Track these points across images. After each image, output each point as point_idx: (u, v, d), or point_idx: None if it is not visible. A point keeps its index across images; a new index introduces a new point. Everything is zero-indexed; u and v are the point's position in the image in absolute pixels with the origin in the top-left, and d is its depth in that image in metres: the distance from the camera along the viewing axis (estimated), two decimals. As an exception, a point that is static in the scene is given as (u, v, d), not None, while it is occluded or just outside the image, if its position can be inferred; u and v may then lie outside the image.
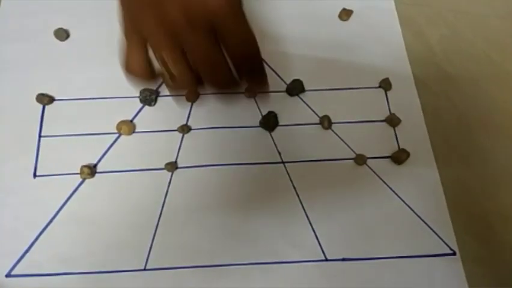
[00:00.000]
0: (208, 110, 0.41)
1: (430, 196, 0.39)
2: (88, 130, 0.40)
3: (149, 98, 0.41)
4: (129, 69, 0.32)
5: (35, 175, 0.38)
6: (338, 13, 0.46)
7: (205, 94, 0.42)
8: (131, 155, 0.39)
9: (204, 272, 0.35)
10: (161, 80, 0.41)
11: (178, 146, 0.40)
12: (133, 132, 0.40)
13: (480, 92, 0.44)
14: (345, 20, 0.46)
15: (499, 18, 0.47)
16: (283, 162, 0.39)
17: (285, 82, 0.43)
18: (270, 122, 0.40)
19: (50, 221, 0.37)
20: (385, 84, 0.43)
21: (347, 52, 0.45)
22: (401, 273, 0.36)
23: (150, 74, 0.32)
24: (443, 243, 0.37)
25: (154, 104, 0.41)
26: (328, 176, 0.39)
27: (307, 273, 0.36)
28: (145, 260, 0.36)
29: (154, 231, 0.36)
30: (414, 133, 0.41)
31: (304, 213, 0.38)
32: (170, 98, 0.41)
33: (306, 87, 0.42)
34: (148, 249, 0.36)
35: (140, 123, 0.40)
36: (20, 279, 0.35)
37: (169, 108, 0.41)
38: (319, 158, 0.40)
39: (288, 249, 0.37)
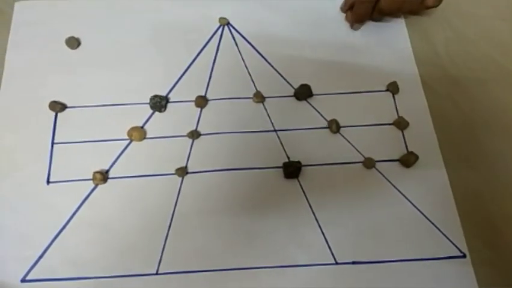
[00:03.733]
0: (217, 116, 0.42)
1: (439, 199, 0.39)
2: (100, 137, 0.40)
3: (159, 105, 0.41)
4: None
5: (48, 181, 0.39)
6: (344, 17, 0.47)
7: (213, 100, 0.42)
8: (143, 161, 0.40)
9: (215, 276, 0.36)
10: (170, 86, 0.42)
11: (188, 151, 0.40)
12: (144, 138, 0.40)
13: (486, 94, 0.44)
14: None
15: (504, 21, 0.47)
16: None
17: (293, 87, 0.43)
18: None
19: (64, 227, 0.37)
20: (393, 88, 0.43)
21: (354, 56, 0.45)
22: (411, 276, 0.36)
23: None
24: (453, 245, 0.37)
25: (164, 110, 0.42)
26: (337, 180, 0.39)
27: (318, 276, 0.36)
28: (157, 264, 0.36)
29: (165, 236, 0.37)
30: (423, 136, 0.41)
31: (314, 216, 0.38)
32: (180, 104, 0.42)
33: (314, 91, 0.43)
34: (160, 253, 0.36)
35: (150, 129, 0.41)
36: (35, 284, 0.35)
37: (179, 114, 0.42)
38: (328, 162, 0.40)
39: (298, 252, 0.37)
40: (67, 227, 0.37)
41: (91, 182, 0.38)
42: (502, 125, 0.42)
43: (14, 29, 0.45)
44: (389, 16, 0.46)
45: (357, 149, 0.41)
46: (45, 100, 0.41)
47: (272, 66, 0.44)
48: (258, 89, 0.43)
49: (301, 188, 0.39)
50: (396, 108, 0.43)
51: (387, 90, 0.43)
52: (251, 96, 0.42)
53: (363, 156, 0.40)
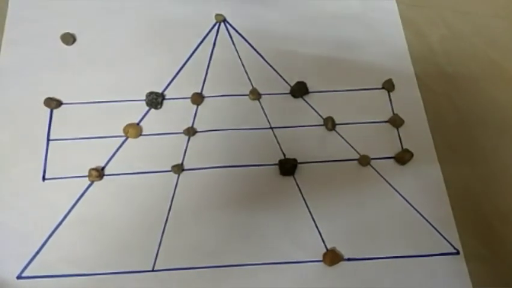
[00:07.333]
0: (213, 113, 0.42)
1: (434, 196, 0.39)
2: (96, 133, 0.40)
3: (155, 101, 0.41)
4: None
5: (44, 178, 0.39)
6: (340, 14, 0.47)
7: (210, 97, 0.42)
8: (138, 158, 0.40)
9: (211, 273, 0.36)
10: (166, 83, 0.42)
11: (184, 148, 0.40)
12: (140, 135, 0.40)
13: (481, 92, 0.44)
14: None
15: (499, 18, 0.47)
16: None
17: (289, 84, 0.43)
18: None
19: (59, 224, 0.37)
20: (388, 85, 0.43)
21: (350, 53, 0.45)
22: (405, 272, 0.37)
23: None
24: (446, 242, 0.38)
25: (160, 107, 0.42)
26: (332, 177, 0.40)
27: (313, 273, 0.36)
28: (153, 261, 0.36)
29: (161, 233, 0.37)
30: (418, 133, 0.42)
31: (309, 214, 0.38)
32: (176, 101, 0.42)
33: (310, 89, 0.43)
34: (156, 250, 0.36)
35: (146, 126, 0.41)
36: (31, 281, 0.35)
37: (175, 111, 0.42)
38: (323, 159, 0.40)
39: (294, 249, 0.37)
40: (63, 223, 0.37)
41: (87, 178, 0.38)
42: (497, 123, 0.42)
43: (9, 25, 0.44)
44: None
45: (352, 147, 0.41)
46: (40, 96, 0.41)
47: (268, 64, 0.44)
48: (254, 86, 0.43)
49: (297, 185, 0.39)
50: (391, 105, 0.43)
51: (382, 87, 0.44)
52: (247, 93, 0.42)
53: (358, 153, 0.41)
